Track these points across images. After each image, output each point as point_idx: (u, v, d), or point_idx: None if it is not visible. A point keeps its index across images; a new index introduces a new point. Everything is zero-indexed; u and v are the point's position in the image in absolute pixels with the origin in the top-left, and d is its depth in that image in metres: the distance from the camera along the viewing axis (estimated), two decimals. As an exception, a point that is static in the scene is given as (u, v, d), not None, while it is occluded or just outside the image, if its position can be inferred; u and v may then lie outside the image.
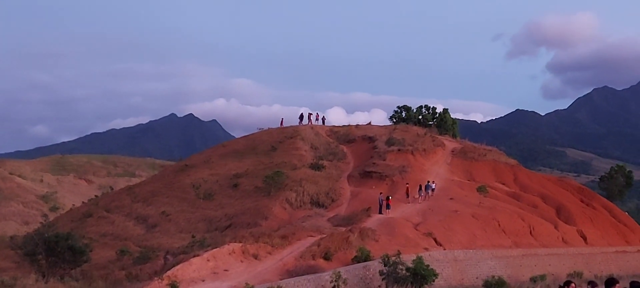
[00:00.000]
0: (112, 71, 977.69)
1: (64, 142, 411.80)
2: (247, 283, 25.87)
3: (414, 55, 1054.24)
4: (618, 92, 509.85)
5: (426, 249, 35.78)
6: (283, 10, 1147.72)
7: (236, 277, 28.76)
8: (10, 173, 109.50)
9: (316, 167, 55.68)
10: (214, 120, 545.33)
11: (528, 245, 43.34)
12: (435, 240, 38.58)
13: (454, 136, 74.56)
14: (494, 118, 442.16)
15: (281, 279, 27.88)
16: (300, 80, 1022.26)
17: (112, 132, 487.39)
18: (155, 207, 54.99)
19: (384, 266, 29.30)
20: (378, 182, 51.04)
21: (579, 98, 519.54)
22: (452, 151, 61.39)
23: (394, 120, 79.59)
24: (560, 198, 55.06)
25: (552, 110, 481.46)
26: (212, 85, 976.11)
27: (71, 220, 59.00)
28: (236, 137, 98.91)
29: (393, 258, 29.31)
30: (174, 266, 29.84)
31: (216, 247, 32.39)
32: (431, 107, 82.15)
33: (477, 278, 34.96)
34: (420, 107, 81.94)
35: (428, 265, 29.57)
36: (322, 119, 75.52)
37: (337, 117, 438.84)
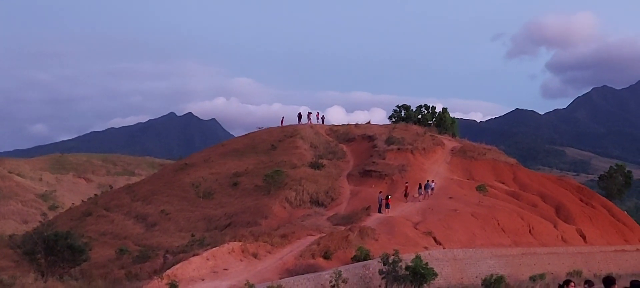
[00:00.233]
0: (111, 70, 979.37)
1: (63, 141, 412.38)
2: (246, 282, 25.85)
3: (414, 54, 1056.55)
4: (617, 92, 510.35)
5: (426, 248, 35.78)
6: (283, 10, 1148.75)
7: (236, 276, 28.74)
8: (10, 172, 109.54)
9: (316, 166, 55.69)
10: (214, 119, 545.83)
11: (527, 244, 43.37)
12: (434, 239, 38.59)
13: (453, 135, 74.58)
14: (493, 117, 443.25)
15: (281, 278, 27.87)
16: (300, 79, 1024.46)
17: (111, 130, 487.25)
18: (155, 205, 54.97)
19: (384, 265, 29.28)
20: (377, 181, 51.05)
21: (578, 97, 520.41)
22: (452, 150, 61.41)
23: (394, 119, 79.67)
24: (560, 197, 55.09)
25: (552, 110, 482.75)
26: (212, 84, 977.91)
27: (70, 219, 58.97)
28: (236, 136, 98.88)
29: (392, 257, 29.30)
30: (173, 265, 29.79)
31: (216, 246, 32.34)
32: (431, 106, 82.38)
33: (476, 277, 34.95)
34: (420, 106, 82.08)
35: (427, 264, 29.56)
36: (321, 117, 75.59)
37: (336, 116, 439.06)
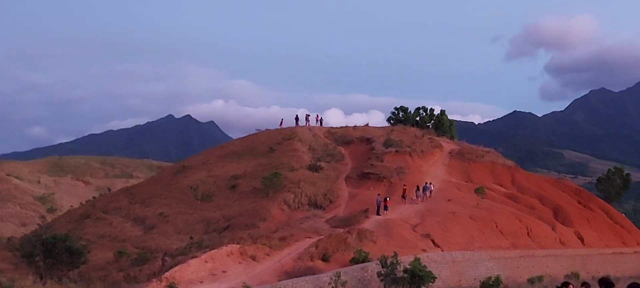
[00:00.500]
0: (109, 72, 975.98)
1: (61, 143, 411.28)
2: (245, 285, 25.90)
3: (413, 57, 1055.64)
4: (615, 94, 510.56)
5: (424, 250, 35.83)
6: (282, 12, 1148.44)
7: (234, 279, 28.76)
8: (8, 175, 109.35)
9: (314, 168, 55.71)
10: (212, 122, 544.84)
11: (525, 246, 43.44)
12: (433, 241, 38.64)
13: (451, 138, 74.69)
14: (491, 119, 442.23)
15: (279, 280, 27.91)
16: (298, 81, 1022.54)
17: (109, 133, 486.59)
18: (153, 208, 54.93)
19: (382, 267, 29.34)
20: (376, 184, 51.09)
21: (576, 100, 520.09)
22: (450, 152, 61.50)
23: (392, 122, 79.74)
24: (558, 199, 55.21)
25: (550, 112, 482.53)
26: (210, 87, 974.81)
27: (69, 222, 58.92)
28: (234, 138, 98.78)
29: (391, 259, 29.36)
30: (172, 268, 29.81)
31: (214, 249, 32.36)
32: (429, 108, 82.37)
33: (474, 279, 35.00)
34: (418, 108, 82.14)
35: (426, 267, 29.62)
36: (320, 120, 75.61)
37: (335, 118, 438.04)
